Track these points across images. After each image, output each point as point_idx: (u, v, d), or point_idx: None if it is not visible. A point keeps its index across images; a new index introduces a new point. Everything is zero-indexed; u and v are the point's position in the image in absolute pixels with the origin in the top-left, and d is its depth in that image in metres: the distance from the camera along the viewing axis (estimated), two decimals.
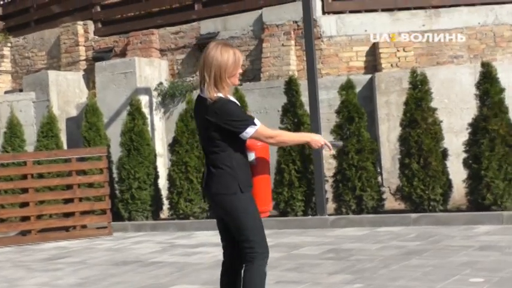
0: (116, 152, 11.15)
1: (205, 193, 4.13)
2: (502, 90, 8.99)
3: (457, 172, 9.25)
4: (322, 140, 4.16)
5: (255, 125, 3.89)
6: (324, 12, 12.13)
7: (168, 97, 12.55)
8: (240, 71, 4.01)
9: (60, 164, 10.60)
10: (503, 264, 5.97)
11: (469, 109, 9.43)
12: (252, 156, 4.12)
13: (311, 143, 4.20)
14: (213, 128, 3.87)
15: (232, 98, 4.02)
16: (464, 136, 9.23)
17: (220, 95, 3.90)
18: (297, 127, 9.88)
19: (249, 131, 3.89)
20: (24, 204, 10.31)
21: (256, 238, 3.98)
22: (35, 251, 9.30)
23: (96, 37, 14.41)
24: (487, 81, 9.01)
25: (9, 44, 15.71)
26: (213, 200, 4.03)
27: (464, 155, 9.10)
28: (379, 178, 9.93)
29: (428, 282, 5.53)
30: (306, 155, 9.81)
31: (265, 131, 3.98)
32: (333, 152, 4.15)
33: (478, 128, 8.97)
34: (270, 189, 4.39)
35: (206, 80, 3.87)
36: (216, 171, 3.92)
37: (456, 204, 9.43)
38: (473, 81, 9.40)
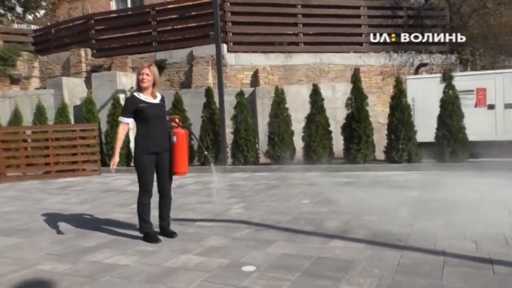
0: (104, 127, 10.81)
1: None
2: (323, 99, 9.25)
3: (299, 143, 9.42)
4: (113, 163, 4.00)
5: (122, 118, 3.94)
6: (228, 51, 12.17)
7: None
8: (142, 77, 3.94)
9: (69, 132, 10.17)
10: (320, 193, 6.26)
11: (306, 109, 9.58)
12: (174, 138, 3.98)
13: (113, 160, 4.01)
14: None
15: (138, 95, 3.93)
16: (303, 124, 9.38)
17: (135, 93, 3.97)
18: (211, 116, 9.92)
19: (121, 119, 3.97)
20: (47, 156, 9.86)
21: (141, 183, 3.98)
22: (53, 183, 8.92)
23: (92, 58, 13.81)
24: (315, 95, 9.26)
25: (37, 60, 14.85)
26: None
27: (303, 134, 9.31)
28: (257, 145, 10.06)
29: (280, 202, 5.75)
30: (216, 131, 9.85)
31: (121, 125, 3.94)
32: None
33: (309, 119, 9.23)
34: (187, 159, 4.08)
35: None
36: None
37: (298, 161, 9.60)
38: (308, 94, 9.57)
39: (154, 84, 4.00)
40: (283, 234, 4.10)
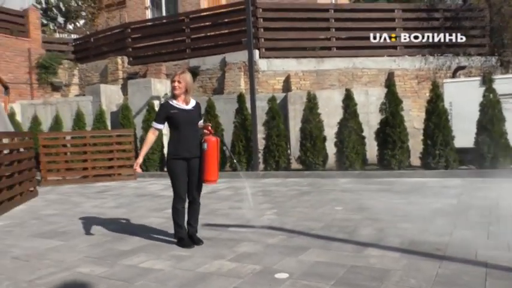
0: (139, 132, 10.99)
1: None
2: (356, 104, 9.12)
3: (331, 149, 9.30)
4: (137, 163, 4.04)
5: (154, 123, 4.07)
6: (260, 57, 12.17)
7: None
8: (174, 85, 4.03)
9: (106, 138, 10.45)
10: (353, 200, 6.17)
11: (338, 114, 9.45)
12: (205, 146, 3.97)
13: (137, 160, 4.06)
14: None
15: (171, 102, 4.04)
16: (335, 129, 9.26)
17: (169, 100, 4.08)
18: (243, 121, 9.96)
19: (153, 124, 4.08)
20: (84, 160, 10.16)
21: (174, 188, 4.01)
22: (91, 187, 9.20)
23: (128, 66, 14.16)
24: (348, 100, 9.14)
25: (77, 68, 15.37)
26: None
27: (335, 139, 9.18)
28: (289, 151, 10.02)
29: (312, 208, 5.70)
30: (248, 137, 9.88)
31: (151, 130, 4.06)
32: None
33: (342, 125, 9.10)
34: (217, 167, 4.04)
35: None
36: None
37: (330, 166, 9.52)
38: (340, 99, 9.45)
39: (186, 91, 4.05)
40: (316, 241, 4.05)
